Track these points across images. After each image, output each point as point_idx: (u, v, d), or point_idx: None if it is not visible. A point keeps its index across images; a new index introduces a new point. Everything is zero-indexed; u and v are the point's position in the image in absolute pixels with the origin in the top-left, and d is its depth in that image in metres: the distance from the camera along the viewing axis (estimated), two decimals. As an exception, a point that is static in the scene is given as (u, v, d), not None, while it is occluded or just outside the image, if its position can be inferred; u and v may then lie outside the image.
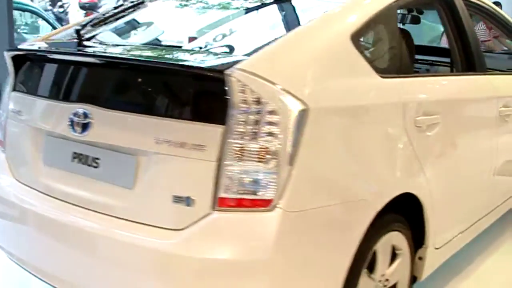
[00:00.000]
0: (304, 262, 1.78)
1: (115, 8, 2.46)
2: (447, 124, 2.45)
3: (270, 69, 1.75)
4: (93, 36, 2.35)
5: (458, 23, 2.81)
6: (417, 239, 2.41)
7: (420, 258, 2.44)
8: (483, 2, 3.15)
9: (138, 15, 2.60)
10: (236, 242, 1.71)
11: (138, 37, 2.72)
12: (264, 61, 1.80)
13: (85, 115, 1.97)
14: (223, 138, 1.71)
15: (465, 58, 2.84)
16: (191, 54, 2.00)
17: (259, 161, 1.70)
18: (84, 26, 2.31)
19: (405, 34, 2.68)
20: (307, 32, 1.99)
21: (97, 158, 1.99)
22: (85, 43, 2.24)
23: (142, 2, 2.59)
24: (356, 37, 2.04)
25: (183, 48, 2.17)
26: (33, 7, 7.15)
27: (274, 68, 1.78)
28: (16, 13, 8.55)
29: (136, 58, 2.02)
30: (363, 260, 2.02)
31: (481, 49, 2.95)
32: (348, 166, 1.89)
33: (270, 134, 1.70)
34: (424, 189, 2.28)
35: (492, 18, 3.34)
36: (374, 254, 2.12)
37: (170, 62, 1.91)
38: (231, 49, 2.04)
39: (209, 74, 1.74)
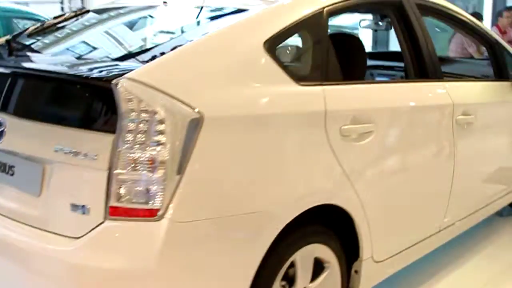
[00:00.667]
0: (196, 273, 1.75)
1: (55, 17, 2.49)
2: (385, 133, 2.38)
3: (162, 78, 1.74)
4: (28, 46, 2.38)
5: (409, 28, 2.74)
6: (355, 252, 2.35)
7: (356, 272, 2.37)
8: (443, 6, 3.05)
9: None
10: (123, 251, 1.70)
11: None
12: (157, 69, 1.78)
13: (0, 123, 2.00)
14: (113, 147, 1.70)
15: (418, 65, 2.76)
16: (93, 63, 2.01)
17: (147, 171, 1.69)
18: (18, 35, 2.36)
19: (352, 41, 2.63)
20: (212, 39, 1.96)
21: (13, 166, 2.02)
22: (16, 52, 2.27)
23: (87, 11, 2.63)
24: (271, 44, 2.01)
25: (90, 57, 2.17)
26: (36, 15, 7.18)
27: (167, 77, 1.76)
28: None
29: (37, 68, 2.05)
30: (274, 273, 1.97)
31: (436, 56, 2.86)
32: (248, 177, 1.84)
33: (158, 143, 1.69)
34: (352, 201, 2.21)
35: (454, 21, 3.24)
36: (294, 267, 2.07)
37: (65, 72, 1.93)
38: (137, 57, 2.03)
39: (98, 83, 1.75)
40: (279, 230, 1.91)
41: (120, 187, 1.70)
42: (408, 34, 2.75)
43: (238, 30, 2.02)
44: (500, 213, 4.05)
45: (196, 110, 1.72)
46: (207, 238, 1.75)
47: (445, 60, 4.17)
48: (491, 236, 3.66)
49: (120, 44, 2.31)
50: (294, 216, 1.95)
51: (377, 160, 2.36)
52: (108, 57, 2.10)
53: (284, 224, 1.92)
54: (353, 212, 2.23)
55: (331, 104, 2.13)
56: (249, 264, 1.85)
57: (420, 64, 2.76)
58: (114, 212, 1.71)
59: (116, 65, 1.96)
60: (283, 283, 2.06)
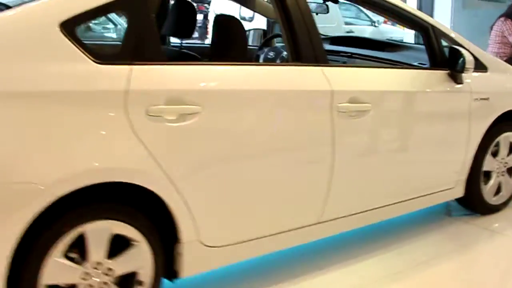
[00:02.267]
0: None
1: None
2: (217, 116, 2.31)
3: None
4: None
5: (284, 8, 2.63)
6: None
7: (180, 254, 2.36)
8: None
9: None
10: None
11: None
12: None
13: None
14: None
15: (294, 48, 2.65)
16: None
17: None
18: None
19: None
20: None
21: None
22: None
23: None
24: (71, 25, 2.05)
25: None
26: None
27: None
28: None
29: None
30: (47, 245, 2.03)
31: (318, 39, 2.70)
32: (14, 149, 1.91)
33: None
34: (160, 182, 2.20)
35: (370, 4, 3.04)
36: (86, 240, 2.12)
37: None
38: None
39: None
40: (44, 204, 1.96)
41: None
42: (284, 15, 2.64)
43: (32, 10, 2.06)
44: (449, 213, 3.78)
45: None
46: None
47: (391, 45, 3.91)
48: (422, 234, 3.41)
49: None
50: (70, 190, 2.00)
51: (204, 142, 2.31)
52: None
53: (55, 197, 1.97)
54: (163, 194, 2.22)
55: (137, 84, 2.13)
56: (4, 235, 1.93)
57: (295, 47, 2.64)
58: None
59: None
60: (74, 255, 2.11)
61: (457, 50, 3.11)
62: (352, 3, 3.03)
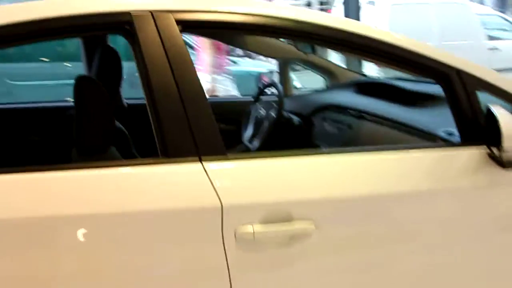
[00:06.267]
0: None
1: None
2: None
3: None
4: None
5: (144, 68, 1.63)
6: None
7: None
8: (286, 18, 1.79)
9: None
10: None
11: None
12: None
13: None
14: None
15: (160, 137, 1.61)
16: None
17: None
18: None
19: None
20: None
21: None
22: None
23: None
24: None
25: None
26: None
27: None
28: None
29: None
30: None
31: (209, 119, 1.61)
32: None
33: None
34: None
35: (335, 44, 1.89)
36: None
37: None
38: None
39: None
40: None
41: None
42: (146, 80, 1.63)
43: None
44: None
45: None
46: None
47: (428, 97, 2.47)
48: None
49: None
50: None
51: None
52: None
53: None
54: None
55: None
56: None
57: (162, 136, 1.60)
58: None
59: None
60: None
61: (493, 114, 1.75)
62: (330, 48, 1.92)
